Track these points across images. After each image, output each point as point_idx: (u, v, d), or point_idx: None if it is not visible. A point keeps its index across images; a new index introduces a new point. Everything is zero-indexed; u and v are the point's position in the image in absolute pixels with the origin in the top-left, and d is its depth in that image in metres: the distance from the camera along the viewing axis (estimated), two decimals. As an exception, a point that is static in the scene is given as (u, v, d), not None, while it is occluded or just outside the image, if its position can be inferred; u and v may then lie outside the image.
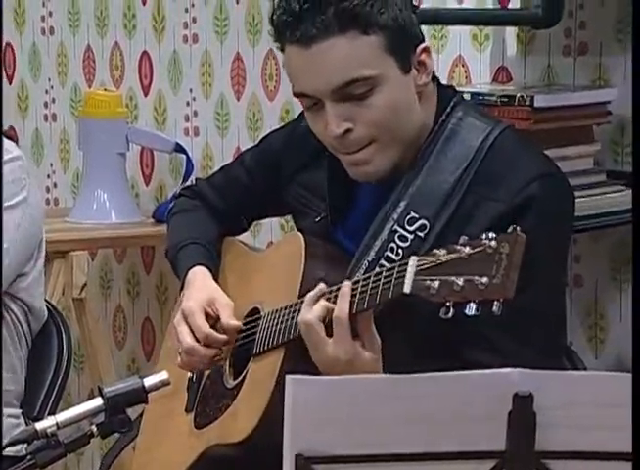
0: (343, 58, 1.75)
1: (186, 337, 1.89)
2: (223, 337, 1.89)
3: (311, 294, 1.73)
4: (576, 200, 2.01)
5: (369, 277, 1.68)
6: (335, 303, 1.70)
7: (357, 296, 1.68)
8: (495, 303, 1.51)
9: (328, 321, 1.70)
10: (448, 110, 1.84)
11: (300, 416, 1.32)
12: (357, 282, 1.69)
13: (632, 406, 1.34)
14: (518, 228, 1.52)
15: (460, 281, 1.52)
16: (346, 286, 1.68)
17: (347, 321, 1.67)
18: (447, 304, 1.54)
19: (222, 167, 2.14)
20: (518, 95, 2.17)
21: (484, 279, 1.51)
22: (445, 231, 1.77)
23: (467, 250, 1.53)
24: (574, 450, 1.35)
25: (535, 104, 2.15)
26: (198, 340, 1.89)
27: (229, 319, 1.89)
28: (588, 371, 2.09)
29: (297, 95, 1.82)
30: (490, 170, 1.79)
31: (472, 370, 1.66)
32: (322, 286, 1.73)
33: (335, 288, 1.71)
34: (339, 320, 1.68)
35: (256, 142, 2.13)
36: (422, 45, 1.81)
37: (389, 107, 1.78)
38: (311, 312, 1.70)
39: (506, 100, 2.17)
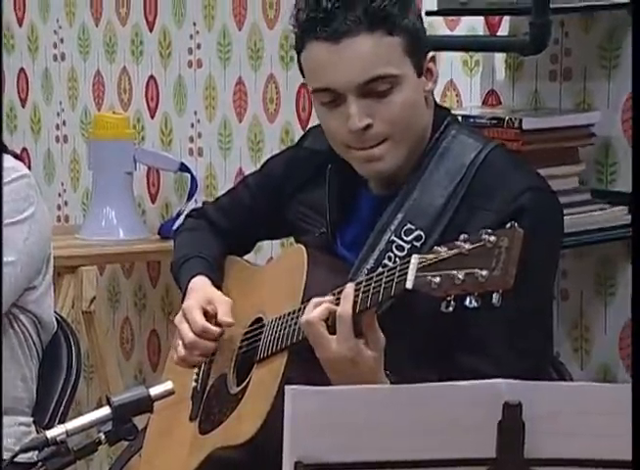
0: (371, 54, 1.76)
1: (187, 332, 1.90)
2: (218, 329, 1.90)
3: (315, 299, 1.72)
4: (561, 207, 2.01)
5: (371, 277, 1.68)
6: (338, 305, 1.69)
7: (360, 295, 1.68)
8: (495, 294, 1.51)
9: (332, 321, 1.68)
10: (442, 128, 1.85)
11: (299, 425, 1.32)
12: (360, 283, 1.69)
13: (632, 413, 1.33)
14: (516, 224, 1.51)
15: (461, 275, 1.52)
16: (349, 287, 1.68)
17: (350, 319, 1.66)
18: (448, 298, 1.54)
19: (228, 191, 2.15)
20: (507, 118, 2.17)
21: (484, 272, 1.50)
22: (440, 241, 1.77)
23: (467, 246, 1.53)
24: (562, 457, 1.35)
25: (523, 126, 2.15)
26: (196, 332, 1.90)
27: (225, 316, 1.90)
28: (574, 381, 2.09)
29: (317, 90, 1.81)
30: (482, 184, 1.80)
31: (463, 373, 1.68)
32: (328, 297, 1.73)
33: (338, 290, 1.71)
34: (341, 318, 1.67)
35: (259, 163, 2.14)
36: (430, 53, 1.83)
37: (406, 105, 1.79)
38: (314, 312, 1.69)
39: (496, 122, 2.17)
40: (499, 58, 2.40)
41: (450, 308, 1.54)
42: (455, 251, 1.54)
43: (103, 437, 1.64)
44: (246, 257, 2.15)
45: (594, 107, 2.27)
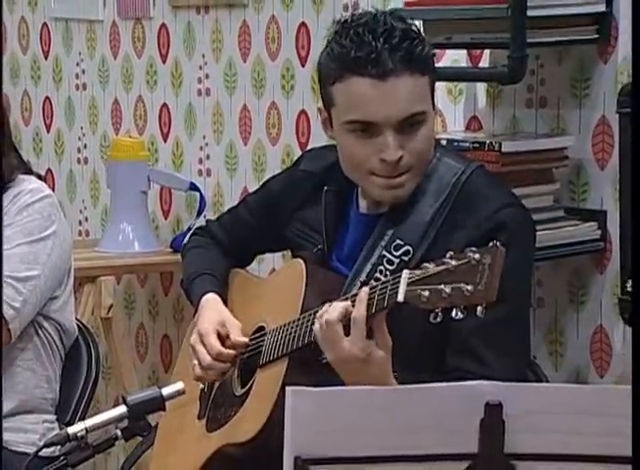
0: (411, 93, 1.76)
1: (205, 356, 1.90)
2: (233, 352, 1.89)
3: (334, 303, 1.69)
4: (538, 232, 2.01)
5: (370, 288, 1.66)
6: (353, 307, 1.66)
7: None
8: (479, 307, 1.51)
9: (346, 322, 1.66)
10: None
11: (299, 423, 1.31)
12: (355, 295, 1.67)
13: (632, 412, 1.33)
14: (498, 243, 1.51)
15: (448, 289, 1.52)
16: (364, 292, 1.66)
17: (364, 322, 1.64)
18: (436, 310, 1.54)
19: (229, 209, 2.15)
20: (487, 141, 2.17)
21: (470, 286, 1.50)
22: (426, 255, 1.77)
23: (453, 262, 1.53)
24: (539, 453, 1.34)
25: (503, 149, 2.15)
26: (212, 356, 1.89)
27: (238, 337, 1.90)
28: (550, 383, 2.09)
29: (353, 122, 1.79)
30: (464, 203, 1.80)
31: (450, 373, 1.67)
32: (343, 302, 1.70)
33: (351, 295, 1.69)
34: (356, 321, 1.65)
35: (260, 184, 2.13)
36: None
37: (429, 139, 1.80)
38: (332, 313, 1.67)
39: (477, 145, 2.17)
40: (480, 87, 2.40)
41: (438, 319, 1.54)
42: (442, 267, 1.54)
43: (119, 433, 1.63)
44: (249, 267, 2.15)
45: (567, 132, 2.27)
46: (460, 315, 1.51)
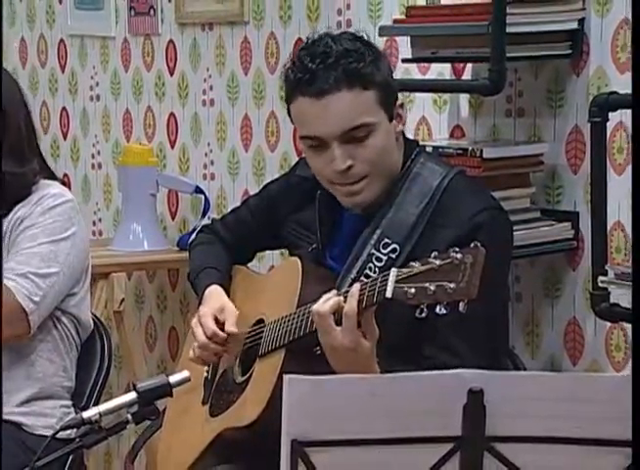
0: (350, 107, 1.76)
1: (200, 335, 1.90)
2: (224, 335, 1.89)
3: (326, 295, 1.69)
4: (516, 232, 2.01)
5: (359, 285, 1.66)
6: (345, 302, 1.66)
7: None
8: (461, 303, 1.51)
9: (338, 316, 1.67)
10: (413, 157, 1.85)
11: (295, 409, 1.31)
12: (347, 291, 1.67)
13: (632, 413, 1.32)
14: (479, 244, 1.51)
15: (432, 287, 1.52)
16: (355, 288, 1.66)
17: (355, 315, 1.64)
18: (421, 306, 1.53)
19: (232, 210, 2.15)
20: (470, 148, 2.16)
21: (452, 284, 1.51)
22: (412, 253, 1.77)
23: (437, 262, 1.53)
24: (518, 435, 1.33)
25: (484, 155, 2.14)
26: (207, 336, 1.89)
27: (231, 326, 1.90)
28: (528, 371, 2.08)
29: (304, 137, 1.81)
30: (446, 204, 1.80)
31: (427, 362, 1.67)
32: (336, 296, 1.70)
33: (343, 291, 1.69)
34: (348, 315, 1.65)
35: (260, 186, 2.14)
36: (398, 101, 1.83)
37: (381, 148, 1.79)
38: (325, 305, 1.67)
39: (461, 152, 2.17)
40: (463, 98, 2.40)
41: (423, 315, 1.54)
42: (427, 266, 1.54)
43: (130, 417, 1.63)
44: (250, 264, 2.15)
45: (543, 139, 2.26)
46: (444, 311, 1.51)
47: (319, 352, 1.69)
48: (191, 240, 2.18)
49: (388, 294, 1.57)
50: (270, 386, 1.76)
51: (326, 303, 1.67)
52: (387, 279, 1.58)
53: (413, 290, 1.54)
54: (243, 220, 2.09)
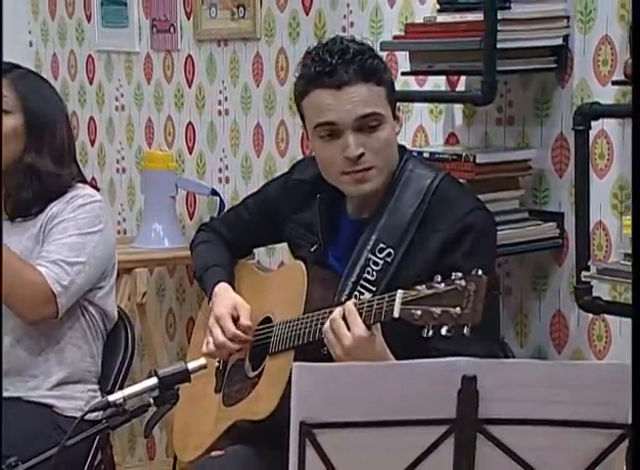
0: (365, 98, 1.77)
1: (219, 336, 1.89)
2: (247, 337, 1.88)
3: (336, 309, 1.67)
4: (506, 231, 2.00)
5: (364, 302, 1.64)
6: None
7: (364, 313, 1.64)
8: (465, 327, 1.50)
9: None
10: (402, 163, 1.84)
11: (304, 394, 1.30)
12: (362, 304, 1.64)
13: (632, 411, 1.32)
14: (480, 271, 1.50)
15: (438, 311, 1.51)
16: (350, 303, 1.65)
17: (357, 313, 1.62)
18: (427, 327, 1.52)
19: (230, 208, 2.15)
20: (464, 154, 2.16)
21: (457, 309, 1.50)
22: (406, 255, 1.76)
23: (442, 287, 1.51)
24: (508, 418, 1.33)
25: (477, 160, 2.14)
26: (227, 337, 1.88)
27: (245, 320, 1.89)
28: (517, 359, 2.08)
29: (320, 125, 1.80)
30: (435, 208, 1.79)
31: (431, 353, 1.66)
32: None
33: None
34: (349, 312, 1.63)
35: (258, 188, 2.13)
36: (398, 104, 1.85)
37: (388, 141, 1.80)
38: (335, 313, 1.66)
39: (455, 157, 2.16)
40: (457, 108, 2.39)
41: (430, 334, 1.53)
42: (432, 290, 1.52)
43: (152, 400, 1.62)
44: (261, 258, 2.13)
45: (531, 146, 2.25)
46: (448, 333, 1.51)
47: (326, 352, 1.67)
48: (192, 239, 2.17)
49: (396, 314, 1.56)
50: (283, 383, 1.75)
51: (335, 311, 1.65)
52: (393, 299, 1.57)
53: (419, 312, 1.53)
54: (241, 219, 2.07)
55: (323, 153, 1.82)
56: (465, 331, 1.50)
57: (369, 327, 1.62)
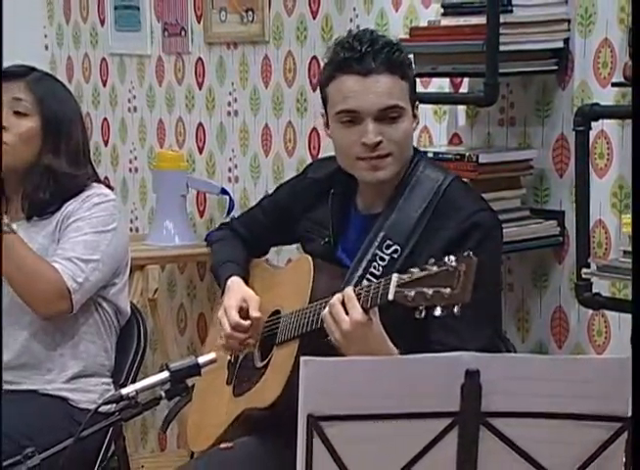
0: (390, 89, 1.77)
1: (226, 326, 1.90)
2: (248, 323, 1.88)
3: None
4: (508, 229, 2.00)
5: (363, 287, 1.65)
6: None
7: (362, 298, 1.65)
8: (456, 306, 1.50)
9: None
10: (413, 163, 1.84)
11: (311, 387, 1.30)
12: (361, 289, 1.66)
13: (633, 407, 1.32)
14: (471, 253, 1.50)
15: (430, 291, 1.51)
16: (349, 288, 1.66)
17: (355, 298, 1.62)
18: (420, 308, 1.52)
19: (249, 209, 2.16)
20: (467, 154, 2.15)
21: (448, 290, 1.50)
22: (412, 253, 1.76)
23: (434, 269, 1.52)
24: (510, 411, 1.33)
25: (479, 160, 2.13)
26: (231, 326, 1.88)
27: (254, 311, 1.89)
28: (519, 353, 2.07)
29: (341, 112, 1.80)
30: (443, 208, 1.79)
31: (434, 347, 1.66)
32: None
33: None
34: (348, 297, 1.63)
35: (274, 189, 2.13)
36: (416, 103, 1.84)
37: (406, 132, 1.80)
38: (333, 299, 1.66)
39: (458, 157, 2.15)
40: (461, 109, 2.38)
41: (422, 315, 1.53)
42: (425, 272, 1.53)
43: (163, 394, 1.62)
44: (270, 257, 2.14)
45: (532, 146, 2.25)
46: (440, 313, 1.50)
47: (329, 341, 1.67)
48: (211, 236, 2.18)
49: (390, 296, 1.56)
50: (287, 371, 1.75)
51: (334, 297, 1.66)
52: (389, 283, 1.57)
53: (412, 293, 1.53)
54: (258, 219, 2.08)
55: (342, 138, 1.81)
56: (455, 310, 1.49)
57: (366, 311, 1.62)
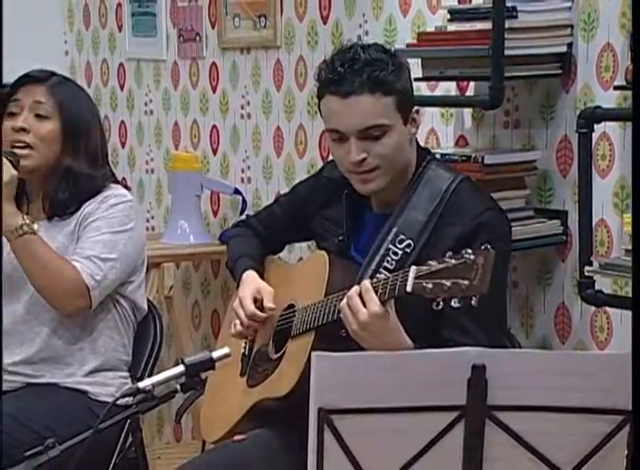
0: (369, 109, 1.76)
1: (242, 315, 1.91)
2: (263, 314, 1.89)
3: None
4: (513, 228, 1.99)
5: (380, 280, 1.65)
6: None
7: (379, 290, 1.64)
8: (473, 298, 1.50)
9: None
10: (424, 164, 1.84)
11: (322, 381, 1.30)
12: (378, 282, 1.65)
13: (633, 404, 1.31)
14: (489, 246, 1.49)
15: (448, 283, 1.51)
16: (366, 281, 1.66)
17: (372, 290, 1.62)
18: (438, 299, 1.52)
19: (265, 207, 2.15)
20: (473, 155, 2.15)
21: (466, 281, 1.49)
22: (424, 248, 1.76)
23: (452, 261, 1.52)
24: (515, 405, 1.32)
25: (485, 161, 2.13)
26: (247, 316, 1.89)
27: (268, 302, 1.90)
28: (523, 349, 2.07)
29: (328, 130, 1.81)
30: (453, 206, 1.79)
31: (446, 344, 1.66)
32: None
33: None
34: (365, 287, 1.63)
35: (290, 188, 2.13)
36: (415, 107, 1.82)
37: (393, 146, 1.79)
38: (351, 291, 1.66)
39: (465, 158, 2.15)
40: (467, 112, 2.38)
41: (440, 307, 1.53)
42: (443, 265, 1.52)
43: (178, 387, 1.62)
44: (282, 255, 2.14)
45: (536, 147, 2.24)
46: (458, 304, 1.50)
47: (345, 334, 1.67)
48: (228, 233, 2.18)
49: (409, 288, 1.56)
50: (302, 363, 1.75)
51: (352, 290, 1.66)
52: (407, 275, 1.57)
53: (430, 285, 1.52)
54: (274, 216, 2.08)
55: (334, 153, 1.84)
56: (473, 302, 1.49)
57: (383, 303, 1.62)
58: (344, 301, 1.66)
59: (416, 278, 1.55)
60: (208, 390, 2.03)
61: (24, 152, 2.17)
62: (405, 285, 1.57)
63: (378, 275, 1.74)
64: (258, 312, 1.89)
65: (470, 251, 1.50)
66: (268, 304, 1.90)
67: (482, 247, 1.50)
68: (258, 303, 1.92)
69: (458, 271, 1.50)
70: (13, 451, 1.97)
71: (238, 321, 1.92)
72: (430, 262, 1.54)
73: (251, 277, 1.96)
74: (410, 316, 1.68)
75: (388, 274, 1.68)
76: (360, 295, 1.64)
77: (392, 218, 1.81)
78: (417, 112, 1.83)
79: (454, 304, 1.50)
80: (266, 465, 1.82)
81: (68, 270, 2.11)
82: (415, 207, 1.80)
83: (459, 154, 2.18)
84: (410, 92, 1.82)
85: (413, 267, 1.57)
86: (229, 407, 1.95)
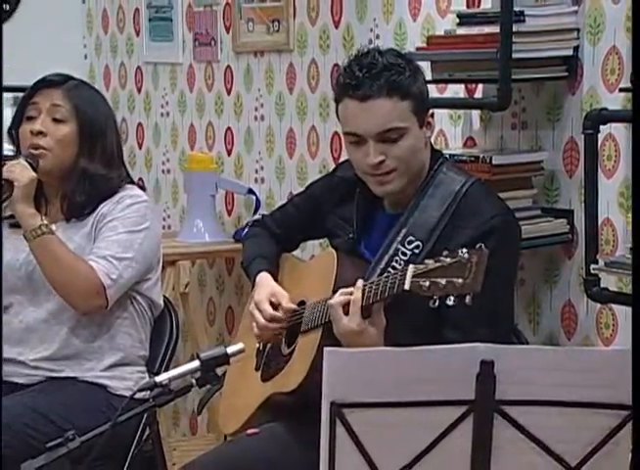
0: (387, 113, 1.76)
1: (260, 319, 1.90)
2: (282, 316, 1.89)
3: (341, 290, 1.71)
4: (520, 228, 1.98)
5: (379, 279, 1.66)
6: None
7: (372, 290, 1.66)
8: (467, 296, 1.49)
9: (347, 308, 1.67)
10: (437, 166, 1.83)
11: (334, 376, 1.30)
12: (372, 282, 1.66)
13: (633, 402, 1.31)
14: (483, 245, 1.49)
15: (443, 281, 1.51)
16: (360, 282, 1.68)
17: (359, 304, 1.65)
18: (434, 297, 1.52)
19: (279, 207, 2.15)
20: (481, 156, 2.14)
21: (460, 280, 1.50)
22: (432, 250, 1.75)
23: (448, 260, 1.52)
24: (523, 399, 1.32)
25: (493, 162, 2.12)
26: (266, 319, 1.89)
27: (287, 304, 1.90)
28: (530, 345, 2.06)
29: (346, 133, 1.81)
30: (464, 209, 1.78)
31: (446, 344, 1.65)
32: (350, 289, 1.71)
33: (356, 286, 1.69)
34: (353, 303, 1.66)
35: (303, 188, 2.13)
36: (430, 110, 1.82)
37: (410, 149, 1.79)
38: (335, 298, 1.69)
39: (473, 159, 2.14)
40: (475, 113, 2.37)
41: (435, 305, 1.53)
42: (439, 264, 1.53)
43: (194, 381, 1.62)
44: (295, 253, 2.14)
45: (543, 148, 2.23)
46: (452, 302, 1.50)
47: None
48: (244, 232, 2.18)
49: (406, 286, 1.56)
50: (310, 358, 1.76)
51: (338, 297, 1.68)
52: (405, 274, 1.58)
53: (427, 283, 1.53)
54: (289, 215, 2.08)
55: (351, 155, 1.83)
56: (467, 300, 1.49)
57: (372, 305, 1.62)
58: (333, 300, 1.68)
59: (414, 276, 1.55)
60: (227, 383, 2.03)
61: (42, 153, 2.18)
62: (403, 283, 1.57)
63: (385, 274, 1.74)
64: (277, 314, 1.90)
65: (465, 250, 1.50)
66: (288, 305, 1.90)
67: (477, 246, 1.49)
68: (274, 305, 1.91)
69: (453, 270, 1.50)
70: (34, 443, 1.98)
71: (255, 324, 1.92)
72: (426, 261, 1.55)
73: (264, 279, 1.96)
74: (410, 316, 1.68)
75: None
76: (347, 304, 1.66)
77: (403, 219, 1.81)
78: (432, 115, 1.83)
79: (449, 302, 1.51)
80: (278, 458, 1.82)
81: (85, 270, 2.11)
82: (425, 208, 1.79)
83: (467, 155, 2.17)
84: (425, 96, 1.82)
85: (411, 266, 1.57)
86: (245, 401, 1.96)
